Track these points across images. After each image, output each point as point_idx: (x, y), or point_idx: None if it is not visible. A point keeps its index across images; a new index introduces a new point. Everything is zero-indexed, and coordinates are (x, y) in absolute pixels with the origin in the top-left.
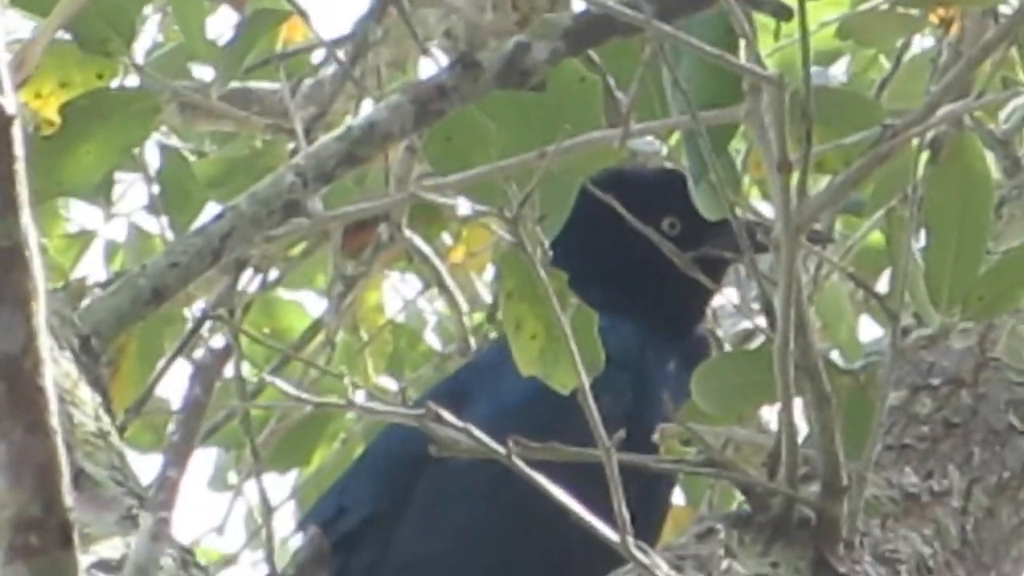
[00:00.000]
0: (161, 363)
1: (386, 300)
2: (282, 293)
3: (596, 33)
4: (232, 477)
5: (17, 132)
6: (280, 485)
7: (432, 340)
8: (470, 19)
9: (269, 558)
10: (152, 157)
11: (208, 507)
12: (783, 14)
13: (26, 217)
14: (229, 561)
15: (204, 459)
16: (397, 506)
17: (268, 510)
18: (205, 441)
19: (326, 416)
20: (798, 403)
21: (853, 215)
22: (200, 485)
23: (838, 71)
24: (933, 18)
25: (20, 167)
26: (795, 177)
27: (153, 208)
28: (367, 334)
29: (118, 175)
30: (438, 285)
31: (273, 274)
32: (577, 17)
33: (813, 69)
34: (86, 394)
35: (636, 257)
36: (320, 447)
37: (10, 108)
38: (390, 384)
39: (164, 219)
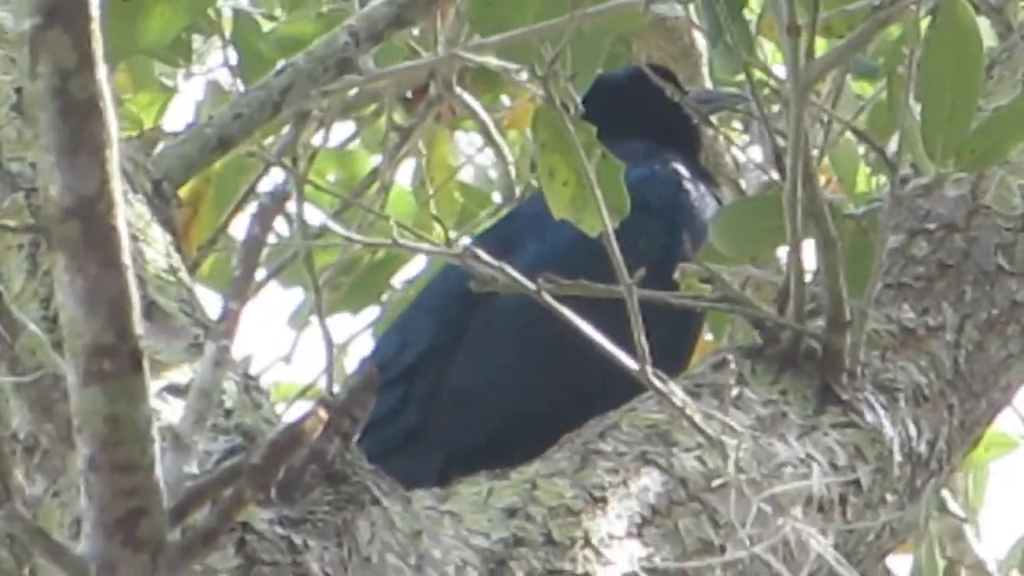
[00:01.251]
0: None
1: (456, 161)
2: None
3: None
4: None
5: None
6: (354, 323)
7: (498, 199)
8: None
9: (329, 385)
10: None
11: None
12: None
13: (101, 73)
14: (304, 391)
15: (287, 298)
16: (452, 340)
17: (329, 341)
18: (278, 277)
19: (393, 259)
20: (807, 245)
21: (867, 79)
22: (281, 322)
23: None
24: None
25: (96, 28)
26: (804, 40)
27: (230, 68)
28: (433, 189)
29: (199, 38)
30: (486, 138)
31: (345, 130)
32: None
33: None
34: (157, 233)
35: (664, 117)
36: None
37: None
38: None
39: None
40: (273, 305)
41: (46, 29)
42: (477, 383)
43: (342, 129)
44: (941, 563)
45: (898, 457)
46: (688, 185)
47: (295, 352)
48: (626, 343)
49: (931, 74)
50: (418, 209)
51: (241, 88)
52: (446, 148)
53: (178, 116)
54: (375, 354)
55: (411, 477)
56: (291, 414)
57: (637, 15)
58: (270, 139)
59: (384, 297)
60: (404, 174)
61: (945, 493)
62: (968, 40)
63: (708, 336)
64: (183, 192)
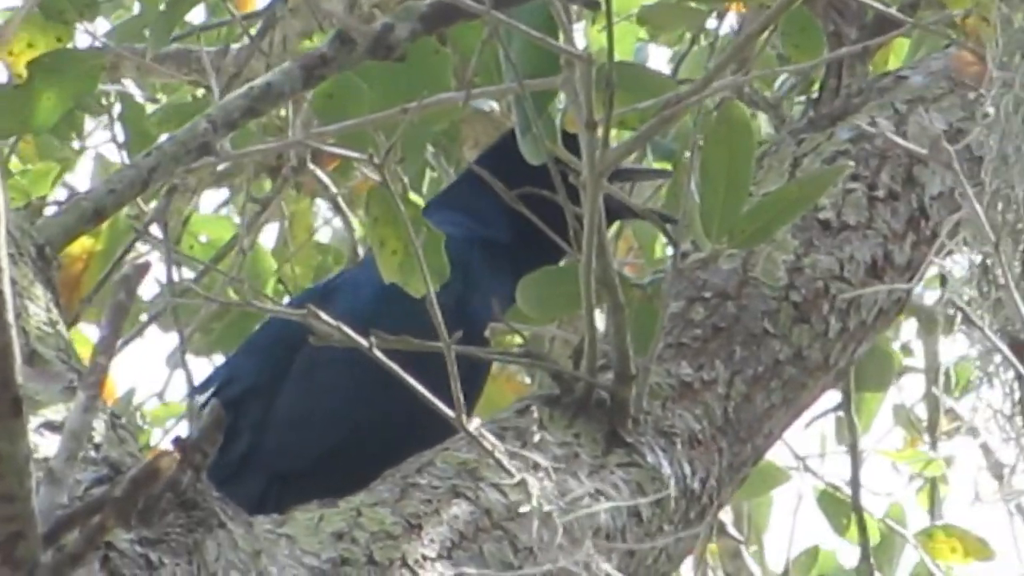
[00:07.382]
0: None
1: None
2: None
3: (446, 17)
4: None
5: None
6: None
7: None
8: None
9: (190, 420)
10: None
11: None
12: (593, 5)
13: None
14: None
15: (167, 340)
16: (277, 377)
17: (191, 384)
18: (158, 323)
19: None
20: (599, 310)
21: (665, 160)
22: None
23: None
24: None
25: None
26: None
27: (116, 143)
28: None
29: (89, 117)
30: (336, 209)
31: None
32: (431, 4)
33: (637, 45)
34: (40, 291)
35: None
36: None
37: None
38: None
39: (124, 153)
40: (153, 346)
41: None
42: (304, 411)
43: (218, 194)
44: None
45: (674, 493)
46: (483, 249)
47: (169, 387)
48: (435, 379)
49: (709, 164)
50: (279, 266)
51: (127, 161)
52: (306, 213)
53: (77, 183)
54: (204, 387)
55: (235, 497)
56: (163, 440)
57: (457, 109)
58: (152, 203)
59: None
60: (269, 235)
61: (725, 518)
62: (741, 136)
63: None
64: (76, 247)
